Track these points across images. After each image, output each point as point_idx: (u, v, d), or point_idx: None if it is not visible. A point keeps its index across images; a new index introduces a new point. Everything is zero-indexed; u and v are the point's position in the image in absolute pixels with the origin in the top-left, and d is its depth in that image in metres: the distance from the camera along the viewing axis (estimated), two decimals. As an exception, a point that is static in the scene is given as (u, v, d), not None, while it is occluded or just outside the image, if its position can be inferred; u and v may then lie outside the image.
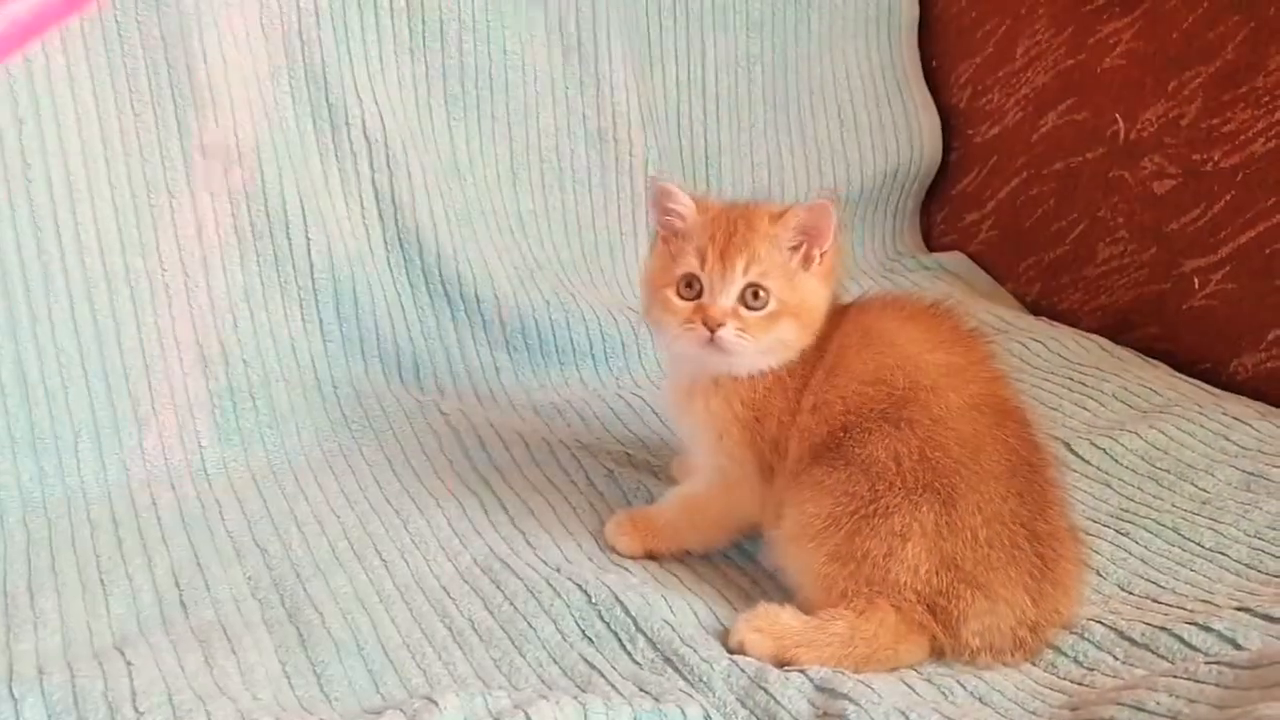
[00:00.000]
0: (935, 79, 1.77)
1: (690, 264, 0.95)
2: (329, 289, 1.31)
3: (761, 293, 0.93)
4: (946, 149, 1.76)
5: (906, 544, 0.88)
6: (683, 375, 1.03)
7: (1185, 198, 1.41)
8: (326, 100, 1.32)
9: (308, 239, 1.29)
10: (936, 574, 0.88)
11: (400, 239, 1.37)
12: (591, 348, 1.44)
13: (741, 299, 0.94)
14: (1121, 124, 1.48)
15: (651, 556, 1.05)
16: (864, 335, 0.96)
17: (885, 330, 0.96)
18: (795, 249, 0.95)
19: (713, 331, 0.93)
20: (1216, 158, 1.36)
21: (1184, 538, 1.05)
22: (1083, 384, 1.35)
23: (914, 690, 0.86)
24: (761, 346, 0.94)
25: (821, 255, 0.96)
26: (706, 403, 0.99)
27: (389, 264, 1.37)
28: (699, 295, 0.95)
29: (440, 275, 1.38)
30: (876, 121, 1.73)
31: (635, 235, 1.55)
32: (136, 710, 0.79)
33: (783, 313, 0.94)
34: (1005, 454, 0.91)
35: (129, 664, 0.85)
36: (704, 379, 1.00)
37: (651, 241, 1.04)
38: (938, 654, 0.90)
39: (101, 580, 1.01)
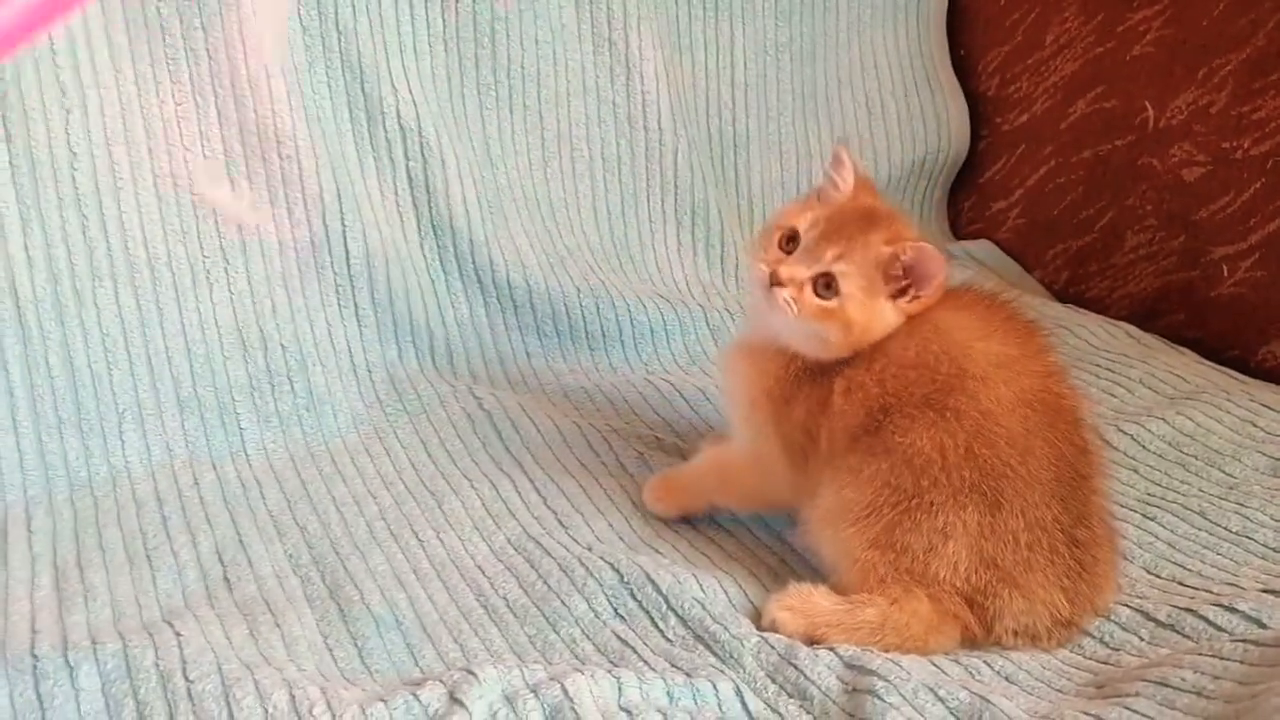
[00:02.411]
0: (963, 66, 1.77)
1: (802, 222, 0.96)
2: (364, 275, 1.33)
3: (834, 286, 0.93)
4: (975, 137, 1.76)
5: (949, 542, 0.89)
6: (746, 327, 1.05)
7: (1214, 185, 1.41)
8: (362, 90, 1.34)
9: (344, 226, 1.32)
10: (976, 572, 0.89)
11: (434, 226, 1.39)
12: (621, 333, 1.45)
13: (815, 280, 0.94)
14: (1151, 111, 1.48)
15: (686, 518, 1.08)
16: (909, 321, 0.95)
17: (933, 316, 0.95)
18: (894, 277, 0.94)
19: (773, 285, 0.94)
20: (1246, 145, 1.37)
21: (1210, 522, 1.06)
22: (1110, 371, 1.35)
23: (941, 669, 0.87)
24: (801, 327, 0.95)
25: (915, 298, 0.94)
26: (749, 364, 1.01)
27: (423, 251, 1.39)
28: (790, 252, 0.96)
29: (473, 262, 1.40)
30: (904, 109, 1.74)
31: (664, 222, 1.57)
32: (187, 679, 0.82)
33: (838, 316, 0.93)
34: (1054, 459, 0.90)
35: (178, 635, 0.87)
36: (755, 340, 1.01)
37: (809, 192, 1.05)
38: (968, 644, 0.91)
39: (148, 557, 1.04)
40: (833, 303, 0.93)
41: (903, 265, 0.93)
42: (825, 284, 0.93)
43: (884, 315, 0.94)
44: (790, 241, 0.97)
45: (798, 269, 0.94)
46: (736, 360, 1.03)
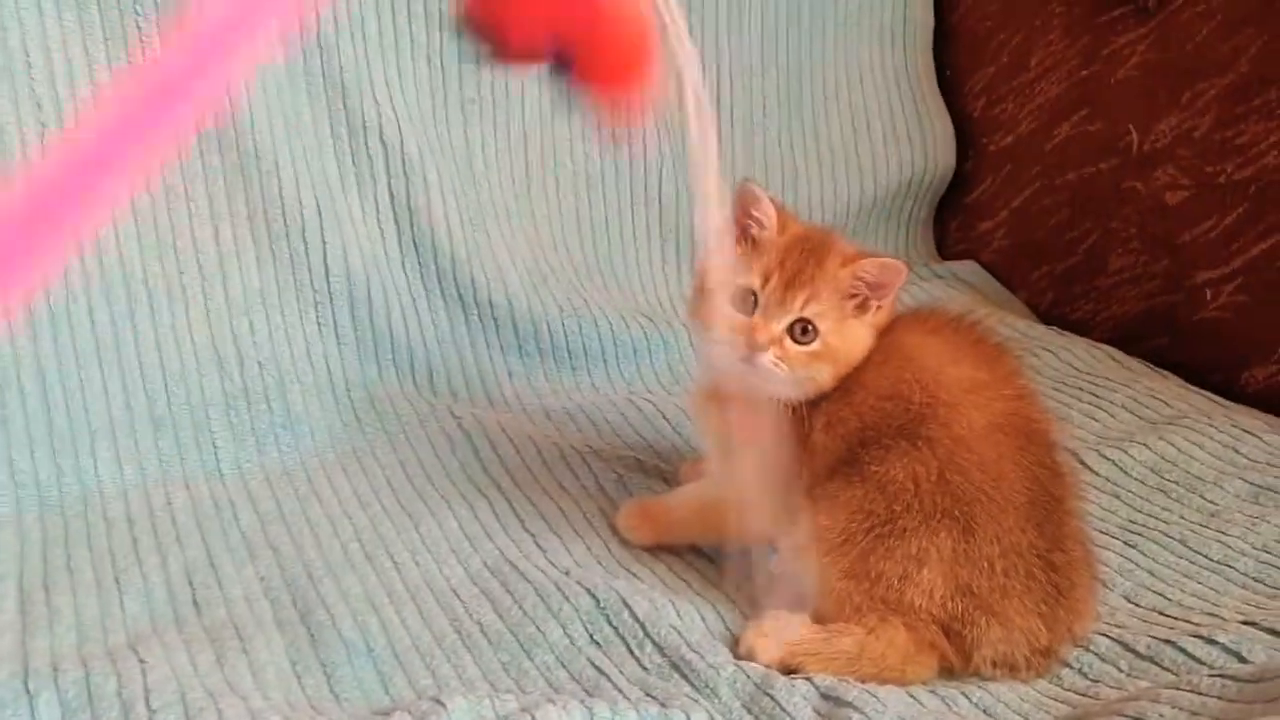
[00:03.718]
0: (949, 88, 1.77)
1: (753, 280, 0.94)
2: (344, 292, 1.32)
3: (810, 329, 0.93)
4: (960, 158, 1.76)
5: (923, 569, 0.88)
6: (707, 379, 1.04)
7: (1198, 209, 1.41)
8: (344, 105, 1.33)
9: (324, 243, 1.31)
10: (952, 599, 0.88)
11: (415, 243, 1.38)
12: (604, 353, 1.45)
13: (790, 330, 0.93)
14: (1135, 135, 1.48)
15: (661, 547, 1.07)
16: (882, 350, 0.95)
17: (904, 344, 0.95)
18: (853, 295, 0.94)
19: (753, 352, 0.93)
20: (1229, 170, 1.37)
21: (1191, 550, 1.05)
22: (1093, 394, 1.35)
23: (918, 700, 0.86)
24: (794, 378, 0.94)
25: (878, 307, 0.95)
26: (721, 415, 0.99)
27: (404, 268, 1.38)
28: (752, 311, 0.94)
29: (454, 279, 1.39)
30: (890, 129, 1.74)
31: (648, 241, 1.56)
32: (149, 708, 0.80)
33: (824, 355, 0.93)
34: (1027, 483, 0.89)
35: (142, 662, 0.86)
36: (722, 390, 1.00)
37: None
38: (946, 674, 0.90)
39: (116, 579, 1.02)
40: (816, 345, 0.93)
41: (865, 283, 0.93)
42: (802, 329, 0.93)
43: (859, 335, 0.95)
44: (743, 301, 0.95)
45: (773, 327, 0.93)
46: (709, 408, 1.02)
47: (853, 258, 0.95)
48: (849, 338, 0.94)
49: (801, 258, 0.94)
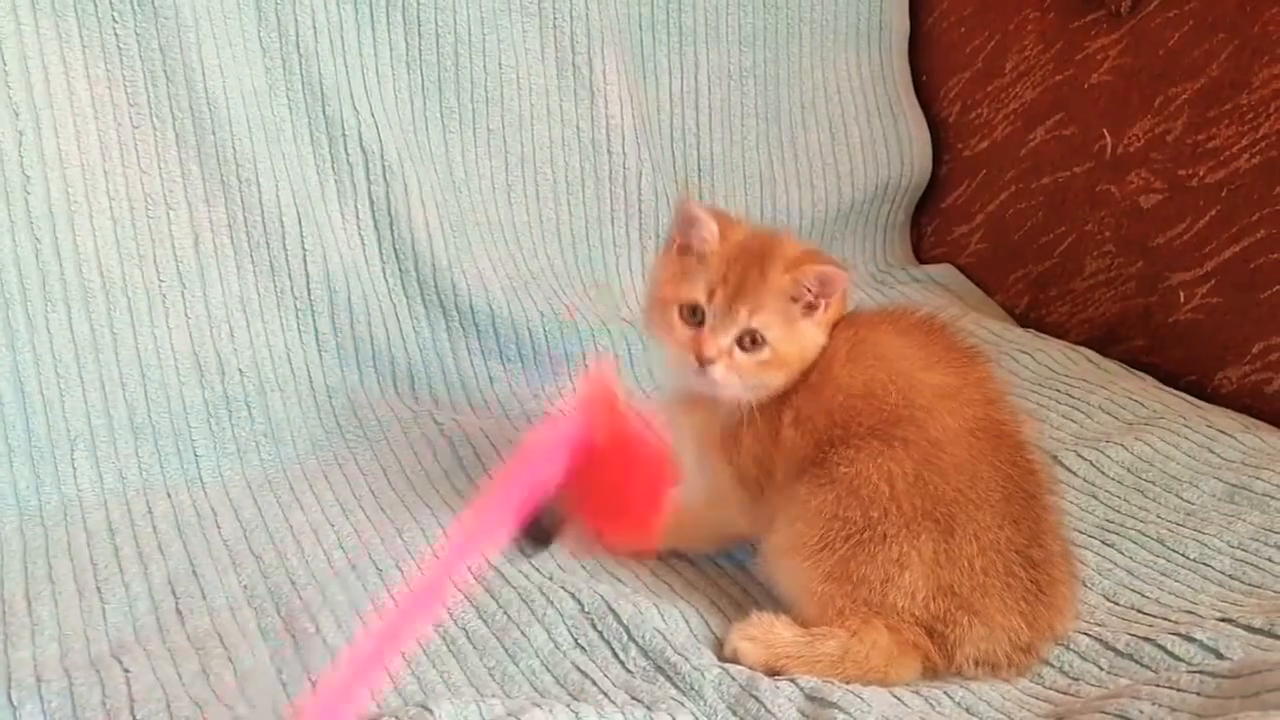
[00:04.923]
0: (925, 93, 1.79)
1: (698, 294, 0.96)
2: (325, 299, 1.32)
3: (759, 339, 0.94)
4: (936, 162, 1.78)
5: (905, 572, 0.89)
6: (669, 386, 1.04)
7: (1171, 212, 1.43)
8: (324, 112, 1.33)
9: (304, 250, 1.31)
10: (934, 600, 0.89)
11: (396, 250, 1.38)
12: (585, 358, 1.45)
13: (739, 340, 0.95)
14: (1108, 139, 1.50)
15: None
16: (852, 348, 0.96)
17: (876, 343, 0.96)
18: (799, 299, 0.95)
19: (703, 365, 0.94)
20: (1202, 173, 1.38)
21: (1168, 549, 1.07)
22: (1070, 396, 1.36)
23: (902, 700, 0.87)
24: (747, 385, 0.95)
25: (826, 307, 0.96)
26: (689, 419, 1.01)
27: (384, 275, 1.38)
28: (700, 324, 0.96)
29: (435, 286, 1.39)
30: (867, 134, 1.75)
31: (629, 247, 1.57)
32: (134, 717, 0.80)
33: (774, 363, 0.95)
34: (1001, 481, 0.91)
35: (126, 671, 0.86)
36: (686, 395, 1.01)
37: (663, 245, 1.04)
38: (930, 674, 0.91)
39: (98, 588, 1.02)
40: (765, 353, 0.95)
41: (807, 287, 0.94)
42: (751, 340, 0.94)
43: (810, 335, 0.96)
44: (691, 314, 0.96)
45: (721, 340, 0.94)
46: (677, 414, 1.02)
47: (796, 263, 0.95)
48: (799, 341, 0.95)
49: (745, 268, 0.95)
